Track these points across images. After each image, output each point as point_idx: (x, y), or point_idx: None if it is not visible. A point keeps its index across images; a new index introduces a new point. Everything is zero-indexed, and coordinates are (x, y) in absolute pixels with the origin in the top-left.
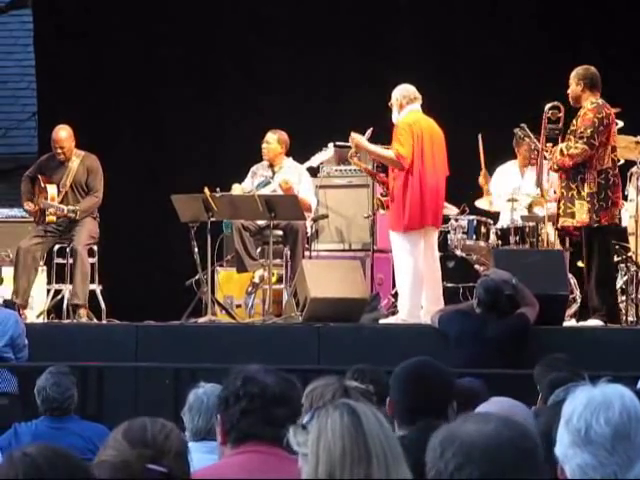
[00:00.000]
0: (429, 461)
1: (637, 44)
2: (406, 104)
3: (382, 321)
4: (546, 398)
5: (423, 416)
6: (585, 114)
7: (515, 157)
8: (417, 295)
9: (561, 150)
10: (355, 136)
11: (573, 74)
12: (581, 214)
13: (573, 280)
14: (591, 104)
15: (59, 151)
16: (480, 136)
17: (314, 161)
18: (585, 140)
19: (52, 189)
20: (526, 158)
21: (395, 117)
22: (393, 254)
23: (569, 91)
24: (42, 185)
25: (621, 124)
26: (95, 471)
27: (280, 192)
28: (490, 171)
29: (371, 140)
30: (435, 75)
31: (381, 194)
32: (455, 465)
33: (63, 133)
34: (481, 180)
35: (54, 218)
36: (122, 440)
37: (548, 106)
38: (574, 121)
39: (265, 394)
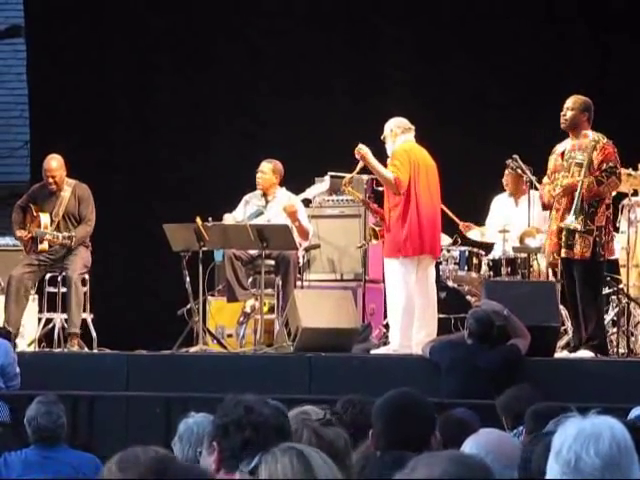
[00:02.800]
0: None
1: (627, 78)
2: (401, 133)
3: (373, 351)
4: (531, 429)
5: (405, 448)
6: (604, 148)
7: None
8: (408, 325)
9: (599, 180)
10: (362, 147)
11: (576, 100)
12: (580, 247)
13: (564, 312)
14: (604, 138)
15: (50, 180)
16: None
17: (309, 193)
18: (617, 175)
19: (45, 218)
20: (518, 189)
21: (390, 148)
22: (386, 283)
23: (568, 115)
24: (34, 214)
25: None
26: None
27: (274, 222)
28: (482, 204)
29: (362, 169)
30: (427, 107)
31: (374, 224)
32: None
33: (54, 163)
34: (465, 229)
35: (46, 246)
36: (116, 472)
37: None
38: (578, 153)
39: (267, 425)
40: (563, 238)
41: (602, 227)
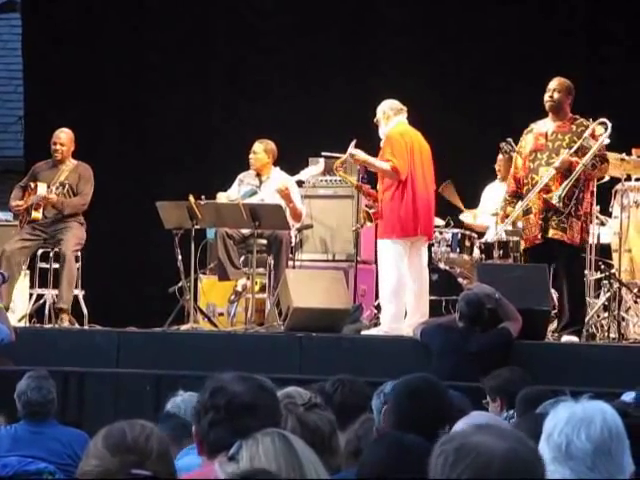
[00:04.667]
0: (438, 467)
1: (625, 64)
2: (393, 115)
3: (364, 332)
4: (522, 413)
5: (412, 432)
6: (595, 131)
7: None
8: (398, 307)
9: (593, 165)
10: (355, 152)
11: (561, 83)
12: (573, 232)
13: (555, 295)
14: (593, 123)
15: (57, 147)
16: (449, 182)
17: (304, 175)
18: (608, 161)
19: (42, 187)
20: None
21: (382, 131)
22: (378, 264)
23: (555, 97)
24: (32, 187)
25: (607, 141)
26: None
27: (267, 201)
28: (476, 188)
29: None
30: (421, 87)
31: (367, 206)
32: (470, 476)
33: (64, 133)
34: (465, 218)
35: (39, 215)
36: (102, 448)
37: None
38: (567, 136)
39: (231, 404)
40: (554, 220)
41: (587, 214)
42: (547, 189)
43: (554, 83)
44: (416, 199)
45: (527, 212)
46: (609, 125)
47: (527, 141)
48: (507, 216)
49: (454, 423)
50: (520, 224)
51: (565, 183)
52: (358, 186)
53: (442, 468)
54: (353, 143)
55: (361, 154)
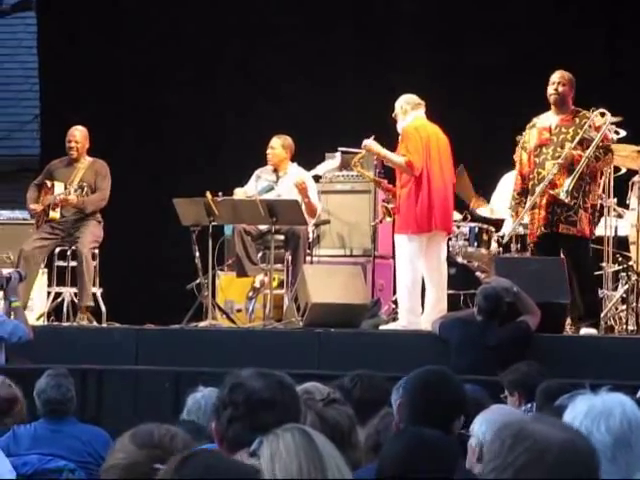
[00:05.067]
0: (493, 451)
1: (637, 55)
2: (411, 110)
3: (382, 327)
4: (540, 407)
5: (427, 424)
6: (596, 122)
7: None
8: (415, 301)
9: (597, 157)
10: (369, 143)
11: (565, 76)
12: (583, 224)
13: None
14: (594, 116)
15: (72, 145)
16: (462, 167)
17: (320, 169)
18: (612, 151)
19: (59, 187)
20: None
21: (401, 126)
22: (396, 260)
23: (559, 90)
24: (49, 186)
25: (623, 133)
26: (104, 476)
27: (284, 197)
28: (493, 181)
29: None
30: (438, 81)
31: (384, 201)
32: (525, 461)
33: (78, 131)
34: (474, 205)
35: (57, 215)
36: (129, 444)
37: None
38: (571, 129)
39: (250, 400)
40: (562, 214)
41: (595, 206)
42: (553, 184)
43: (557, 76)
44: (432, 195)
45: (532, 207)
46: (608, 115)
47: (531, 136)
48: (516, 215)
49: (470, 415)
50: (526, 218)
51: (571, 177)
52: (376, 181)
53: (498, 451)
54: (371, 138)
55: (375, 146)
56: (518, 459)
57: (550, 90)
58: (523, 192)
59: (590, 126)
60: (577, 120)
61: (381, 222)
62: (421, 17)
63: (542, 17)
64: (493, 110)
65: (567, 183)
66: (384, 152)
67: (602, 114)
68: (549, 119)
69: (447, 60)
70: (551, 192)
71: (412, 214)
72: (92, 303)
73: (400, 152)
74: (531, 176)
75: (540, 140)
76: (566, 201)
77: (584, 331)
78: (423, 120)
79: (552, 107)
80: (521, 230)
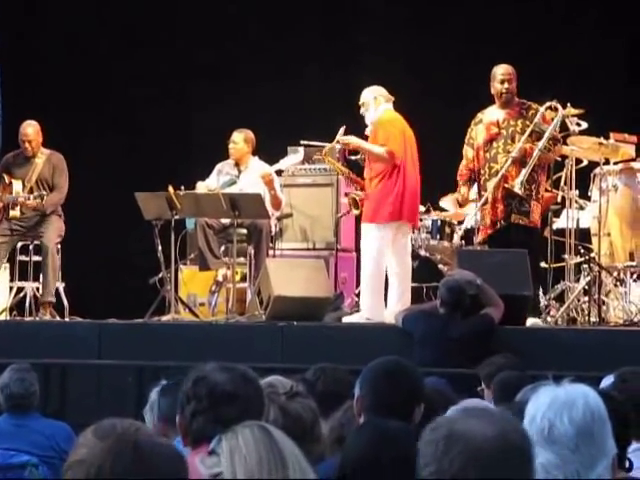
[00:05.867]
0: (428, 455)
1: (600, 46)
2: (384, 102)
3: (345, 319)
4: (497, 398)
5: (388, 414)
6: (544, 116)
7: None
8: (379, 293)
9: (547, 148)
10: (346, 138)
11: (511, 71)
12: (535, 215)
13: None
14: (542, 107)
15: (26, 145)
16: None
17: (283, 164)
18: (560, 142)
19: (17, 185)
20: None
21: (370, 116)
22: (362, 250)
23: (510, 87)
24: (7, 182)
25: (585, 125)
26: (68, 472)
27: (247, 191)
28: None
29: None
30: (402, 74)
31: (346, 194)
32: (461, 464)
33: (31, 127)
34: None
35: (18, 213)
36: (92, 437)
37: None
38: (519, 121)
39: (213, 393)
40: (514, 204)
41: (542, 196)
42: (504, 177)
43: (506, 72)
44: (406, 185)
45: (485, 202)
46: (559, 108)
47: (478, 132)
48: (466, 199)
49: (437, 409)
50: (478, 215)
51: (525, 170)
52: (346, 173)
53: (433, 456)
54: (342, 130)
55: (354, 140)
56: (453, 464)
57: (501, 88)
58: (469, 179)
59: (541, 119)
60: (524, 112)
61: (347, 214)
62: (386, 9)
63: (514, 7)
64: (462, 103)
65: (522, 175)
66: (364, 145)
67: (553, 108)
68: (495, 113)
69: (413, 53)
70: (506, 185)
71: (384, 203)
72: (53, 299)
73: (378, 142)
74: (482, 171)
75: (489, 135)
76: (520, 193)
77: (530, 321)
78: (395, 113)
79: (498, 102)
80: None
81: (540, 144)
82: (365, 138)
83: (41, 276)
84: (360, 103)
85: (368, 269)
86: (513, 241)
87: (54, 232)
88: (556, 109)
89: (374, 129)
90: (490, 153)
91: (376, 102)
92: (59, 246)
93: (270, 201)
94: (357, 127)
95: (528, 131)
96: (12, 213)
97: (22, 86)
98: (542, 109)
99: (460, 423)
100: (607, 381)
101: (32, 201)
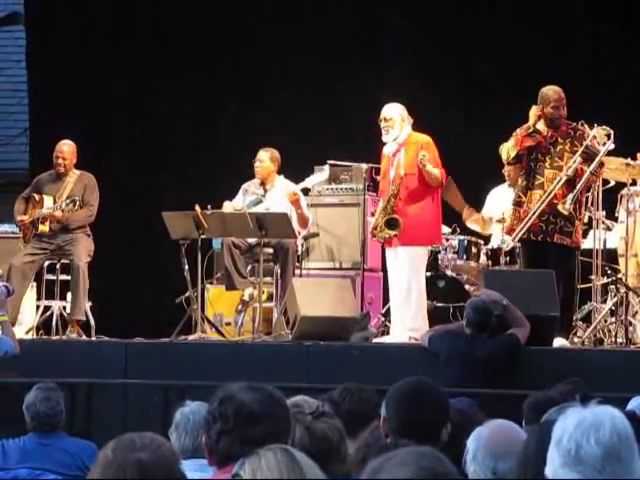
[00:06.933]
0: None
1: (622, 66)
2: (408, 123)
3: (374, 340)
4: (529, 420)
5: (415, 435)
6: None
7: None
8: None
9: (595, 171)
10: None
11: (564, 96)
12: (577, 235)
13: None
14: (594, 132)
15: (60, 161)
16: (450, 178)
17: (309, 182)
18: (603, 166)
19: (48, 201)
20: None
21: (395, 134)
22: (401, 271)
23: (563, 112)
24: (37, 199)
25: (612, 146)
26: None
27: (273, 210)
28: (482, 195)
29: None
30: (427, 95)
31: (372, 214)
32: None
33: (67, 146)
34: (466, 216)
35: (47, 228)
36: (112, 456)
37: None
38: (567, 141)
39: (240, 413)
40: (557, 223)
41: (583, 217)
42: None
43: (559, 98)
44: (440, 208)
45: (519, 204)
46: (611, 133)
47: (515, 141)
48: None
49: (463, 430)
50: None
51: (575, 190)
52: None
53: None
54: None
55: (427, 165)
56: None
57: (554, 113)
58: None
59: (592, 140)
60: (572, 132)
61: (391, 237)
62: (410, 30)
63: (531, 28)
64: (482, 124)
65: (571, 196)
66: (432, 169)
67: (607, 135)
68: (540, 127)
69: (436, 71)
70: (557, 204)
71: (436, 224)
72: (84, 318)
73: (431, 162)
74: (523, 173)
75: (536, 140)
76: (565, 214)
77: (557, 342)
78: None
79: (546, 122)
80: (510, 245)
81: (592, 166)
82: (379, 155)
83: (69, 294)
84: (385, 117)
85: (415, 289)
86: (553, 261)
87: (84, 251)
88: (609, 136)
89: (424, 149)
90: (535, 163)
91: (402, 122)
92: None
93: (297, 220)
94: (381, 147)
95: (579, 152)
96: (41, 228)
97: (49, 106)
98: (593, 132)
99: (385, 468)
100: (634, 402)
101: (58, 211)
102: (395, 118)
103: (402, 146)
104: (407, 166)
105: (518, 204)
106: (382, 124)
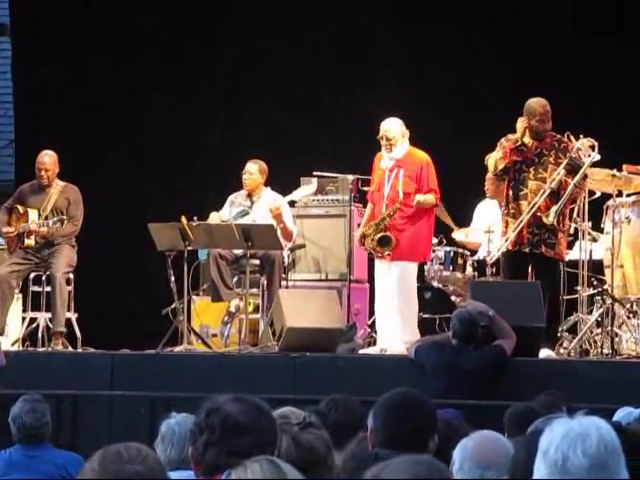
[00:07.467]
0: None
1: (611, 79)
2: (406, 137)
3: (362, 351)
4: (511, 431)
5: (402, 446)
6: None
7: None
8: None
9: (579, 183)
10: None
11: (549, 109)
12: (561, 247)
13: None
14: (579, 144)
15: (42, 174)
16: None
17: (296, 195)
18: (587, 178)
19: (33, 214)
20: (498, 191)
21: (398, 150)
22: (395, 286)
23: (548, 126)
24: (21, 212)
25: (598, 157)
26: None
27: (259, 222)
28: (472, 205)
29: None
30: (415, 104)
31: (358, 225)
32: None
33: (48, 157)
34: (457, 235)
35: (32, 242)
36: (97, 466)
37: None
38: (552, 152)
39: (226, 425)
40: (541, 235)
41: (568, 229)
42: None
43: (545, 112)
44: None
45: (514, 216)
46: (596, 145)
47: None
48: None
49: (448, 440)
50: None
51: (560, 202)
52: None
53: None
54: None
55: (424, 201)
56: None
57: (538, 127)
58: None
59: (577, 152)
60: (556, 144)
61: (388, 254)
62: (397, 42)
63: (521, 43)
64: (472, 134)
65: (555, 208)
66: (422, 201)
67: (592, 147)
68: (525, 139)
69: (424, 86)
70: (541, 215)
71: (429, 241)
72: (65, 329)
73: (428, 185)
74: (511, 184)
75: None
76: (550, 224)
77: (543, 353)
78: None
79: (531, 134)
80: (497, 256)
81: (576, 179)
82: (366, 166)
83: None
84: (387, 137)
85: (412, 304)
86: (536, 272)
87: (63, 262)
88: (593, 147)
89: (426, 169)
90: (519, 174)
91: (402, 138)
92: (71, 276)
93: (281, 233)
94: (370, 159)
95: (563, 164)
96: (27, 242)
97: (35, 117)
98: (578, 144)
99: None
100: (620, 413)
101: (44, 229)
102: (397, 136)
103: (401, 163)
104: (405, 185)
105: (513, 216)
106: (383, 142)
